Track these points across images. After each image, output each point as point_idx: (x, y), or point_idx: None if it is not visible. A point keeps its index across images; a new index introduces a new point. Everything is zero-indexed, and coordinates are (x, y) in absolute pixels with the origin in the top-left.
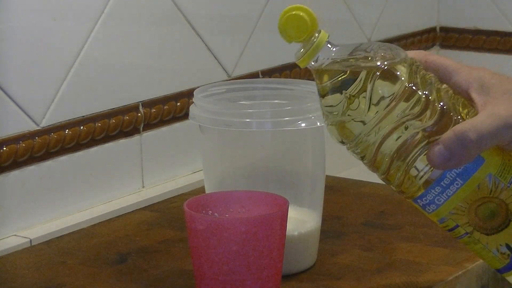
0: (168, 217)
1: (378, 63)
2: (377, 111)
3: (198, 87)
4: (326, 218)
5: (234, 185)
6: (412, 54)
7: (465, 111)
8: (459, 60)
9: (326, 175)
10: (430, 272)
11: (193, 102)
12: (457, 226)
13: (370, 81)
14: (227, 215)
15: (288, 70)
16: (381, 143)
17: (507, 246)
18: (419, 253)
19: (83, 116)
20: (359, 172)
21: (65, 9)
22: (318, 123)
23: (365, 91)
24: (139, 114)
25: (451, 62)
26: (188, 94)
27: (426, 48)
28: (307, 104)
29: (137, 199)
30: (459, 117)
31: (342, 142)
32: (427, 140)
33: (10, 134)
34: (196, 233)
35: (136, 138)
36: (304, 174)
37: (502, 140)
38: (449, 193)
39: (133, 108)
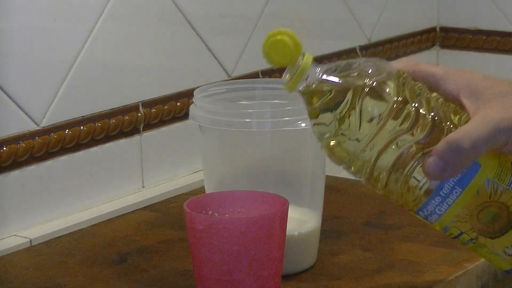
0: (168, 217)
1: (365, 81)
2: (369, 129)
3: (198, 87)
4: (326, 218)
5: (234, 185)
6: (400, 65)
7: (457, 117)
8: (460, 60)
9: (326, 175)
10: (430, 272)
11: (193, 102)
12: (461, 233)
13: (358, 100)
14: (227, 215)
15: None
16: (377, 158)
17: None
18: (419, 253)
19: (83, 116)
20: None
21: (65, 9)
22: None
23: (355, 109)
24: (139, 114)
25: (439, 70)
26: (188, 94)
27: (426, 48)
28: None
29: (137, 199)
30: (451, 126)
31: (339, 162)
32: (421, 152)
33: (10, 134)
34: (196, 233)
35: (136, 138)
36: (304, 174)
37: (497, 144)
38: (449, 201)
39: (133, 108)
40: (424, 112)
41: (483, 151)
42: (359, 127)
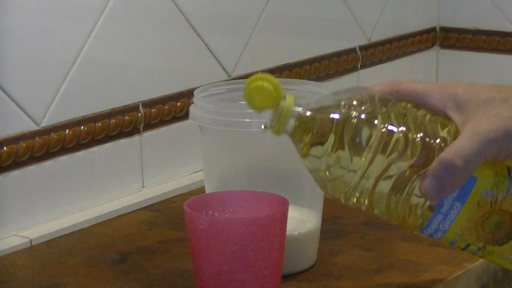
0: (168, 217)
1: (349, 113)
2: (361, 161)
3: (198, 87)
4: (326, 218)
5: (234, 185)
6: (381, 87)
7: (446, 130)
8: (460, 60)
9: None
10: (430, 272)
11: (193, 102)
12: (468, 244)
13: (345, 134)
14: (227, 215)
15: (288, 70)
16: (374, 186)
17: None
18: (419, 253)
19: (83, 116)
20: None
21: (65, 9)
22: None
23: (343, 144)
24: (139, 114)
25: (422, 86)
26: (188, 94)
27: (426, 48)
28: None
29: (137, 199)
30: (442, 143)
31: (337, 195)
32: (416, 174)
33: (10, 134)
34: (196, 233)
35: (136, 138)
36: (304, 174)
37: (489, 155)
38: (451, 217)
39: (133, 108)
40: (412, 136)
41: (476, 165)
42: (351, 160)
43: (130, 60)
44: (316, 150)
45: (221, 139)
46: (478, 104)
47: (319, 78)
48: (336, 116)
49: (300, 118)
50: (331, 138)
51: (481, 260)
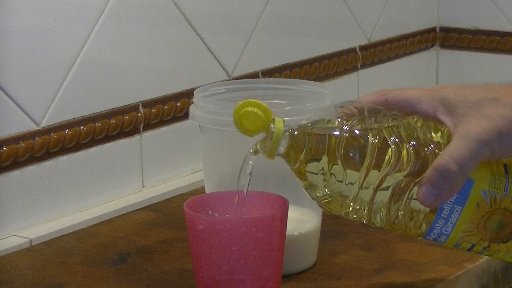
0: (168, 217)
1: (339, 131)
2: (356, 175)
3: (198, 87)
4: (326, 218)
5: (234, 185)
6: (371, 97)
7: (439, 134)
8: (460, 60)
9: None
10: (430, 272)
11: (193, 102)
12: (473, 245)
13: (338, 151)
14: (227, 215)
15: (288, 70)
16: (373, 198)
17: None
18: (419, 253)
19: (83, 116)
20: None
21: (65, 9)
22: None
23: (337, 162)
24: (139, 114)
25: (411, 92)
26: (188, 94)
27: (426, 48)
28: (307, 104)
29: (137, 199)
30: (435, 149)
31: (337, 211)
32: (413, 182)
33: (10, 134)
34: (196, 233)
35: (136, 138)
36: None
37: (483, 157)
38: (453, 221)
39: (133, 108)
40: (405, 145)
41: (471, 168)
42: (346, 175)
43: (130, 60)
44: (312, 166)
45: (221, 139)
46: (468, 105)
47: (319, 78)
48: (327, 132)
49: (292, 138)
50: (325, 155)
51: (481, 260)
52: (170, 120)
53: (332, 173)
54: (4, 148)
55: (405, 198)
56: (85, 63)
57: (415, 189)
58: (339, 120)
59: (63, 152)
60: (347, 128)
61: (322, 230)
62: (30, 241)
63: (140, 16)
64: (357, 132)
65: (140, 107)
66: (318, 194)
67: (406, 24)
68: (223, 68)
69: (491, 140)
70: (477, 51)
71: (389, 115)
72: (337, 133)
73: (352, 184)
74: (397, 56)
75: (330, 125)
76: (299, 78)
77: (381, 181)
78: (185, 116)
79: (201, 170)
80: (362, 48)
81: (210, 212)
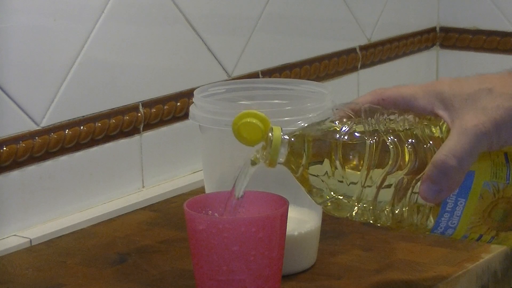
0: (168, 217)
1: (336, 136)
2: (357, 175)
3: (198, 87)
4: (326, 218)
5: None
6: (367, 97)
7: (437, 129)
8: (460, 60)
9: None
10: (430, 272)
11: (193, 102)
12: (481, 235)
13: (337, 153)
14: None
15: (288, 70)
16: (376, 197)
17: None
18: (419, 253)
19: (83, 116)
20: None
21: (65, 9)
22: None
23: (338, 165)
24: (139, 114)
25: (406, 90)
26: (188, 94)
27: (426, 48)
28: (307, 104)
29: (137, 199)
30: (434, 144)
31: (343, 214)
32: (415, 179)
33: (10, 134)
34: (196, 233)
35: (136, 138)
36: None
37: (481, 149)
38: (458, 213)
39: (133, 108)
40: (403, 143)
41: (470, 162)
42: (347, 178)
43: (130, 60)
44: (314, 170)
45: (221, 139)
46: (464, 98)
47: (319, 78)
48: (326, 136)
49: (291, 145)
50: (325, 158)
51: (481, 260)
52: (170, 120)
53: (334, 176)
54: (4, 148)
55: (409, 194)
56: (85, 63)
57: (418, 184)
58: (336, 123)
59: (63, 152)
60: (345, 130)
61: (322, 230)
62: (30, 241)
63: (140, 16)
64: (355, 133)
65: (140, 107)
66: (323, 198)
67: (406, 24)
68: (223, 68)
69: (489, 132)
70: (477, 51)
71: (386, 113)
72: (335, 135)
73: (354, 183)
74: (397, 56)
75: (328, 128)
76: (299, 78)
77: (383, 180)
78: (185, 116)
79: (201, 170)
80: (362, 48)
81: (210, 212)
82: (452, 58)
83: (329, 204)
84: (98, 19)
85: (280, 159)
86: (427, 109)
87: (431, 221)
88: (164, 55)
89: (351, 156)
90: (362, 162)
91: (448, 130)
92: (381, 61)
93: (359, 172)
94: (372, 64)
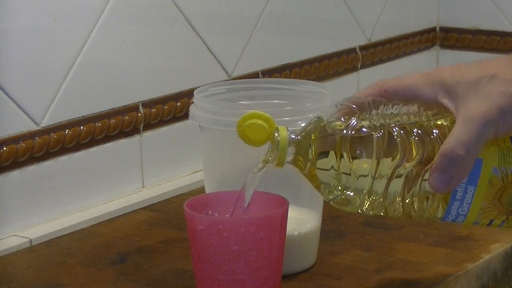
0: (168, 217)
1: (342, 132)
2: (365, 169)
3: (198, 87)
4: (326, 218)
5: (234, 185)
6: (369, 90)
7: (442, 119)
8: (460, 60)
9: None
10: (430, 272)
11: (193, 102)
12: (491, 220)
13: (343, 149)
14: (227, 215)
15: (288, 70)
16: (386, 189)
17: None
18: (419, 253)
19: (83, 116)
20: None
21: (65, 9)
22: None
23: (346, 160)
24: (139, 114)
25: (408, 79)
26: (188, 94)
27: (426, 48)
28: (307, 104)
29: (137, 199)
30: (440, 135)
31: (353, 208)
32: (423, 170)
33: (10, 134)
34: (196, 233)
35: (136, 138)
36: None
37: (488, 137)
38: (468, 201)
39: (133, 108)
40: (409, 135)
41: (478, 150)
42: (357, 178)
43: (130, 60)
44: (322, 164)
45: (221, 139)
46: (467, 86)
47: (319, 78)
48: (332, 132)
49: (297, 143)
50: (332, 153)
51: (481, 260)
52: (170, 120)
53: (343, 170)
54: (4, 148)
55: (418, 183)
56: (85, 63)
57: (427, 174)
58: (342, 118)
59: (63, 152)
60: (351, 125)
61: (322, 230)
62: (30, 241)
63: (140, 16)
64: (361, 128)
65: (140, 107)
66: (332, 194)
67: (406, 24)
68: (223, 68)
69: (494, 118)
70: (477, 51)
71: (390, 105)
72: (342, 131)
73: (364, 176)
74: (397, 56)
75: (334, 123)
76: (299, 78)
77: (393, 173)
78: (185, 116)
79: (201, 170)
80: (362, 48)
81: (210, 212)
82: (452, 58)
83: (339, 199)
84: (98, 19)
85: (288, 159)
86: (431, 98)
87: (442, 210)
88: (164, 55)
89: (358, 151)
90: (369, 156)
91: (452, 119)
92: (381, 61)
93: (367, 166)
94: (372, 64)
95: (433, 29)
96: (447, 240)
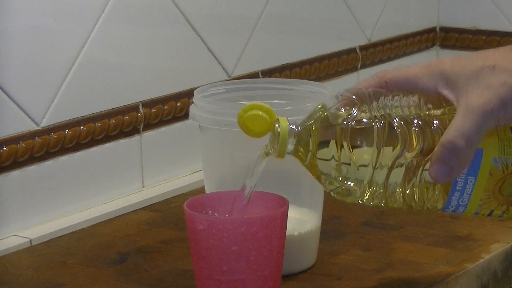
0: (168, 217)
1: (342, 123)
2: (366, 159)
3: (198, 87)
4: (326, 218)
5: (234, 185)
6: (370, 81)
7: (442, 110)
8: None
9: None
10: (430, 272)
11: (193, 102)
12: (492, 211)
13: (344, 140)
14: (227, 215)
15: (288, 70)
16: (387, 181)
17: None
18: (419, 253)
19: (83, 116)
20: None
21: (65, 9)
22: None
23: (346, 151)
24: (139, 114)
25: (409, 71)
26: (188, 94)
27: (426, 48)
28: (307, 104)
29: (137, 199)
30: (440, 125)
31: (354, 200)
32: (424, 160)
33: (10, 134)
34: (196, 233)
35: (136, 138)
36: (304, 174)
37: (489, 127)
38: (468, 191)
39: (133, 108)
40: (409, 126)
41: (478, 141)
42: (358, 168)
43: (130, 60)
44: (323, 154)
45: (221, 139)
46: (467, 77)
47: (319, 78)
48: (333, 122)
49: (298, 134)
50: (332, 143)
51: (481, 260)
52: (170, 120)
53: (343, 160)
54: (4, 148)
55: (419, 174)
56: (85, 63)
57: (428, 163)
58: (342, 109)
59: (63, 152)
60: (352, 116)
61: (322, 230)
62: (30, 241)
63: (140, 16)
64: (362, 118)
65: (140, 107)
66: (333, 185)
67: (406, 24)
68: (223, 68)
69: (495, 109)
70: (477, 51)
71: (390, 96)
72: (343, 121)
73: (365, 166)
74: (397, 56)
75: (335, 114)
76: (299, 78)
77: (393, 163)
78: (185, 116)
79: (201, 170)
80: (362, 48)
81: (210, 212)
82: None
83: (339, 190)
84: (98, 19)
85: (289, 148)
86: (431, 89)
87: (442, 200)
88: (164, 55)
89: (359, 141)
90: (371, 146)
91: (453, 110)
92: (381, 61)
93: (368, 157)
94: (372, 64)
95: (433, 29)
96: (447, 240)
